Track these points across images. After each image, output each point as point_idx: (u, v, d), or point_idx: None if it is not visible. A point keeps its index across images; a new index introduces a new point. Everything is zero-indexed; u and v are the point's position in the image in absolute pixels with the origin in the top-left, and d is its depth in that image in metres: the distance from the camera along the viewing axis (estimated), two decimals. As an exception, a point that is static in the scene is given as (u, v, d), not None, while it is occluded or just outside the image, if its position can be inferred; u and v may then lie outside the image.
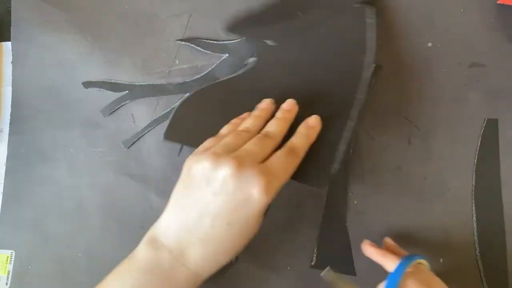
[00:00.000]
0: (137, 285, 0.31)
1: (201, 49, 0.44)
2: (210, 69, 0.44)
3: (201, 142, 0.36)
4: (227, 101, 0.41)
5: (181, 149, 0.43)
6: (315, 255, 0.41)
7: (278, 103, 0.37)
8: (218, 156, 0.30)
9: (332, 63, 0.40)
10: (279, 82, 0.41)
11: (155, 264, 0.31)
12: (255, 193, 0.29)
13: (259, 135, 0.33)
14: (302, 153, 0.33)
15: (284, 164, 0.32)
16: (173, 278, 0.31)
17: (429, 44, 0.42)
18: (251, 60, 0.43)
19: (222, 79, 0.42)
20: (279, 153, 0.32)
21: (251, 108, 0.38)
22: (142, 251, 0.32)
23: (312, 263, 0.41)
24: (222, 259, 0.32)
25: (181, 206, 0.32)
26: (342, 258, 0.41)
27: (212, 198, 0.30)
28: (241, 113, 0.38)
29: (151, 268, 0.31)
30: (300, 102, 0.37)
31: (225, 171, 0.30)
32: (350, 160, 0.41)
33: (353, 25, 0.40)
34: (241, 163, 0.30)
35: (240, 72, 0.42)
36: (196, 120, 0.42)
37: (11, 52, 0.46)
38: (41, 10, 0.46)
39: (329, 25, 0.41)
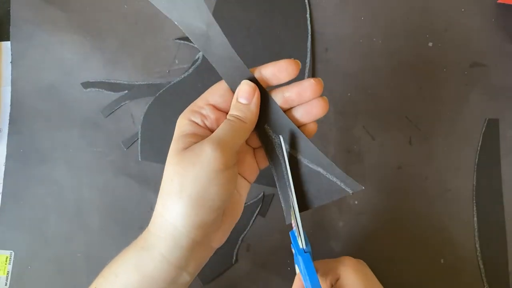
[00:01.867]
0: None
1: (201, 49, 0.44)
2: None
3: None
4: (184, 104, 0.43)
5: None
6: None
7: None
8: None
9: (277, 49, 0.42)
10: None
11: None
12: None
13: None
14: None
15: None
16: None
17: (430, 44, 0.42)
18: (199, 54, 0.43)
19: (173, 82, 0.43)
20: None
21: None
22: None
23: None
24: None
25: None
26: None
27: None
28: None
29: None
30: None
31: None
32: (350, 160, 0.41)
33: (291, 12, 0.43)
34: None
35: (190, 71, 0.43)
36: (160, 133, 0.43)
37: (11, 52, 0.46)
38: (41, 10, 0.46)
39: (270, 16, 0.43)
